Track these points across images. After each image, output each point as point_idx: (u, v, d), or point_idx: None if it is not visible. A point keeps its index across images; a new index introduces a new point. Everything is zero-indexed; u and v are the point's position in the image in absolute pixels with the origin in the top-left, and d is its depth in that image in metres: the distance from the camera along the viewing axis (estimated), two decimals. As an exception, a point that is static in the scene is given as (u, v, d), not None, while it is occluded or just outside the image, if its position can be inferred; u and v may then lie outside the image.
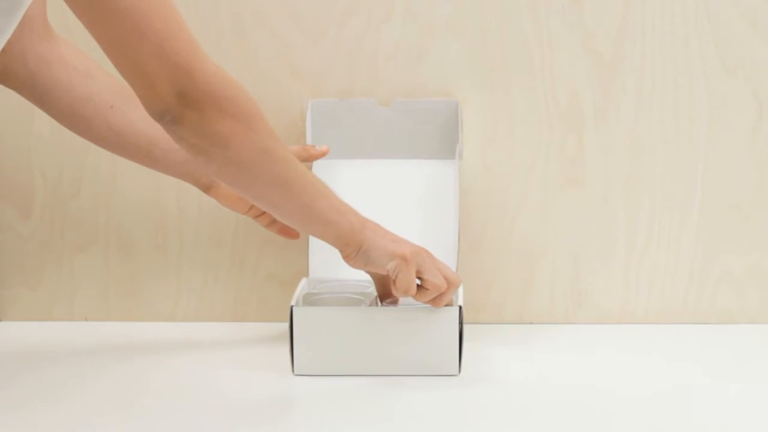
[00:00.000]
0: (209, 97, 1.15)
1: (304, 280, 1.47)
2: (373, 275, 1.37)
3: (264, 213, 1.45)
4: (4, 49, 1.33)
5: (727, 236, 1.54)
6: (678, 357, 1.45)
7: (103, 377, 1.38)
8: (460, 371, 1.35)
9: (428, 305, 1.35)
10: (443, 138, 1.51)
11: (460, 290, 1.41)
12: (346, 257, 1.31)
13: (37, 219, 1.58)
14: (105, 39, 1.12)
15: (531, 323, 1.56)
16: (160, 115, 1.15)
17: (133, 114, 1.36)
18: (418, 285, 1.32)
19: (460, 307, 1.35)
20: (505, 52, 1.52)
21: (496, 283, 1.56)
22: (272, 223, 1.46)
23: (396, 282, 1.31)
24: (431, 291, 1.32)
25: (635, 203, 1.54)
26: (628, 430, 1.23)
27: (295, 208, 1.27)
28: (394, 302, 1.38)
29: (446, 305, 1.34)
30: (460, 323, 1.34)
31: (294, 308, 1.36)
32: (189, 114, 1.14)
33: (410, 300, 1.39)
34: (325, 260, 1.48)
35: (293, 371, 1.37)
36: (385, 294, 1.38)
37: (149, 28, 1.11)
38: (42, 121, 1.40)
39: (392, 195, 1.50)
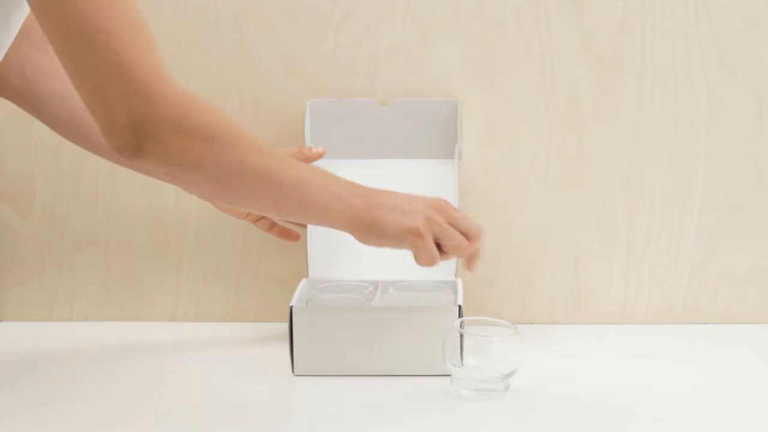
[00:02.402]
0: (169, 122, 1.08)
1: (304, 281, 1.47)
2: None
3: (262, 217, 1.45)
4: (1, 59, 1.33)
5: (727, 236, 1.54)
6: (678, 357, 1.45)
7: (103, 377, 1.38)
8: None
9: (427, 307, 1.36)
10: (443, 138, 1.51)
11: (460, 290, 1.41)
12: (360, 239, 1.23)
13: (37, 219, 1.58)
14: (64, 55, 1.07)
15: (531, 323, 1.56)
16: (121, 148, 1.08)
17: None
18: (439, 249, 1.25)
19: (460, 307, 1.35)
20: (505, 52, 1.52)
21: (496, 283, 1.56)
22: (272, 226, 1.46)
23: (416, 258, 1.24)
24: (452, 254, 1.25)
25: (635, 203, 1.54)
26: (628, 429, 1.23)
27: (291, 207, 1.21)
28: None
29: (476, 260, 1.29)
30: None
31: (294, 308, 1.36)
32: (149, 145, 1.08)
33: (410, 300, 1.39)
34: (325, 260, 1.49)
35: (293, 371, 1.37)
36: None
37: (107, 47, 1.04)
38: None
39: (392, 195, 1.50)
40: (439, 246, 1.24)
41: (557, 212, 1.55)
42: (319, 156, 1.45)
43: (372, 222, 1.22)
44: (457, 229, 1.25)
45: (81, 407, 1.29)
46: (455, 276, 1.45)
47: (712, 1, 1.49)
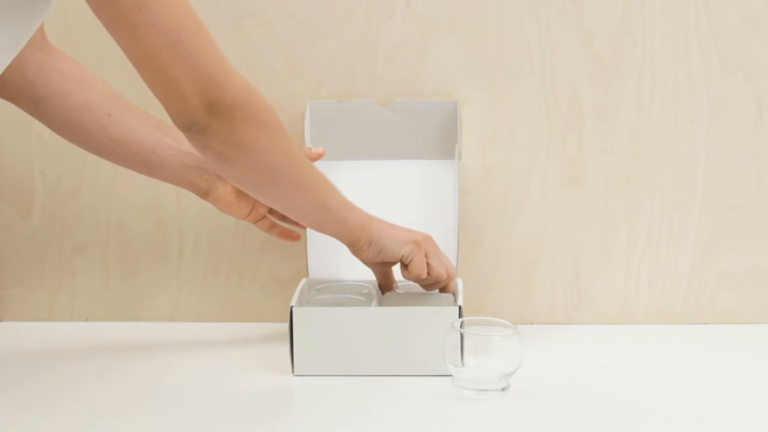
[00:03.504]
0: (237, 106, 1.18)
1: (304, 281, 1.47)
2: (375, 267, 1.41)
3: (263, 218, 1.45)
4: None
5: (727, 236, 1.54)
6: (678, 357, 1.45)
7: (102, 377, 1.38)
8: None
9: (427, 307, 1.36)
10: (443, 138, 1.51)
11: (460, 290, 1.42)
12: (358, 251, 1.36)
13: (37, 219, 1.58)
14: (136, 53, 1.15)
15: (531, 323, 1.56)
16: (188, 125, 1.18)
17: (130, 122, 1.36)
18: None
19: (460, 307, 1.35)
20: (505, 52, 1.52)
21: (496, 283, 1.56)
22: (272, 227, 1.46)
23: (410, 266, 1.37)
24: (432, 278, 1.39)
25: (635, 203, 1.54)
26: (628, 429, 1.23)
27: (312, 207, 1.32)
28: (392, 288, 1.43)
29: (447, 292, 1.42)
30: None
31: (294, 308, 1.36)
32: (216, 123, 1.17)
33: (410, 300, 1.39)
34: (324, 261, 1.49)
35: (293, 371, 1.37)
36: (387, 285, 1.43)
37: (180, 42, 1.14)
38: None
39: (392, 196, 1.50)
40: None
41: (557, 212, 1.55)
42: (319, 156, 1.45)
43: (374, 232, 1.36)
44: (442, 261, 1.40)
45: (81, 407, 1.29)
46: (455, 276, 1.45)
47: (712, 1, 1.49)
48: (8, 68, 1.34)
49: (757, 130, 1.52)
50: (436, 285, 1.41)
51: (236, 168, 1.23)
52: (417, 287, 1.43)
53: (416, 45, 1.52)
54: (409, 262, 1.37)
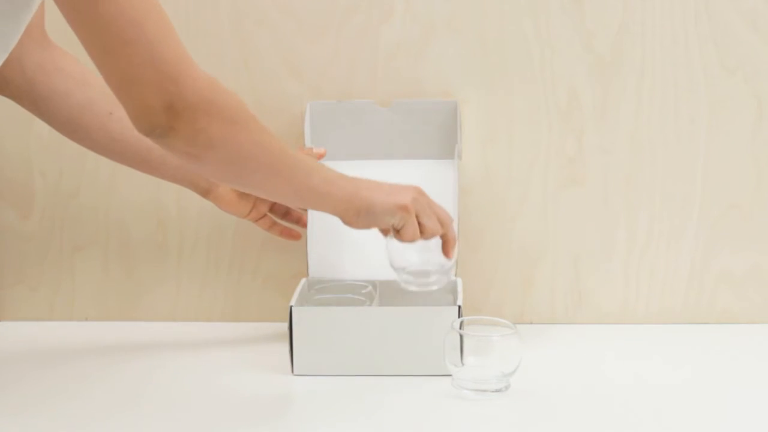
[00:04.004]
0: (198, 104, 1.13)
1: (303, 280, 1.47)
2: None
3: (264, 216, 1.45)
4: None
5: (727, 236, 1.54)
6: (678, 357, 1.45)
7: (103, 377, 1.38)
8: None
9: (427, 307, 1.36)
10: (443, 138, 1.51)
11: (460, 290, 1.41)
12: (348, 222, 1.30)
13: (37, 219, 1.58)
14: (95, 47, 1.11)
15: (531, 323, 1.56)
16: (150, 129, 1.14)
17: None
18: None
19: (460, 307, 1.35)
20: (505, 52, 1.52)
21: (496, 283, 1.56)
22: (273, 225, 1.46)
23: (402, 233, 1.32)
24: (427, 235, 1.34)
25: (635, 203, 1.54)
26: (628, 429, 1.23)
27: (292, 190, 1.27)
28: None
29: (450, 242, 1.37)
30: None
31: (293, 308, 1.36)
32: (179, 125, 1.13)
33: (409, 300, 1.39)
34: (324, 261, 1.49)
35: (293, 371, 1.37)
36: None
37: (140, 37, 1.10)
38: (42, 122, 1.40)
39: (392, 195, 1.50)
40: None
41: (557, 212, 1.55)
42: (320, 157, 1.45)
43: (362, 202, 1.29)
44: (433, 213, 1.35)
45: (81, 407, 1.29)
46: (455, 276, 1.45)
47: (712, 1, 1.49)
48: (9, 67, 1.34)
49: (757, 130, 1.52)
50: (435, 236, 1.36)
51: (206, 165, 1.19)
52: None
53: (416, 45, 1.52)
54: (401, 230, 1.33)
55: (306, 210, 1.48)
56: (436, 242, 1.36)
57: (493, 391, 1.30)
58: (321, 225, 1.46)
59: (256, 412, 1.28)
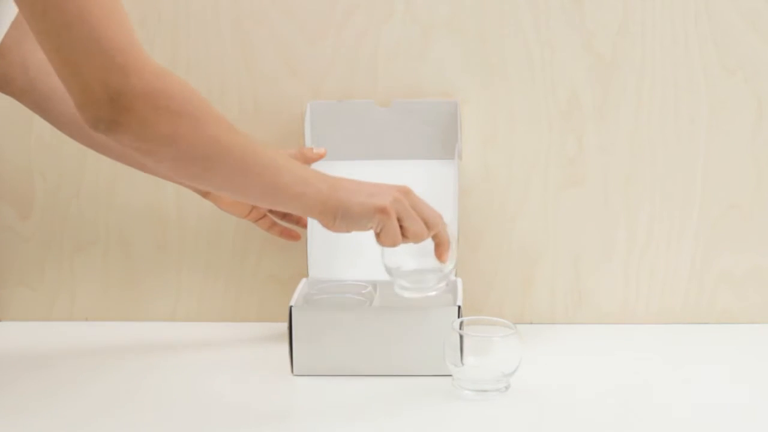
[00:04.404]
0: (145, 96, 1.07)
1: (303, 281, 1.47)
2: None
3: (264, 217, 1.45)
4: (4, 56, 1.33)
5: (727, 236, 1.54)
6: (678, 357, 1.45)
7: (103, 377, 1.38)
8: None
9: (427, 307, 1.36)
10: (443, 138, 1.51)
11: (460, 290, 1.41)
12: (326, 225, 1.25)
13: (37, 219, 1.58)
14: (38, 29, 1.06)
15: (531, 323, 1.56)
16: (94, 122, 1.08)
17: None
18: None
19: (460, 307, 1.35)
20: (505, 52, 1.52)
21: (496, 283, 1.56)
22: (272, 226, 1.46)
23: (380, 237, 1.26)
24: (411, 239, 1.27)
25: (635, 203, 1.54)
26: (628, 429, 1.23)
27: (259, 189, 1.20)
28: None
29: (442, 245, 1.31)
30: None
31: (293, 308, 1.36)
32: (125, 119, 1.07)
33: (409, 301, 1.39)
34: (325, 260, 1.49)
35: (293, 371, 1.37)
36: None
37: (84, 22, 1.03)
38: (42, 122, 1.41)
39: (392, 195, 1.50)
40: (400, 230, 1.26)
41: (557, 212, 1.55)
42: (320, 157, 1.45)
43: (339, 204, 1.23)
44: (418, 215, 1.27)
45: (81, 407, 1.29)
46: (455, 276, 1.45)
47: (712, 1, 1.49)
48: (11, 66, 1.34)
49: (757, 130, 1.52)
50: (422, 240, 1.29)
51: (162, 162, 1.13)
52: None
53: (416, 45, 1.52)
54: (379, 233, 1.26)
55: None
56: (432, 245, 1.32)
57: (493, 391, 1.30)
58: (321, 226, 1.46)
59: (256, 412, 1.28)
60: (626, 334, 1.53)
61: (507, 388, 1.31)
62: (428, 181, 1.50)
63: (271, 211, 1.45)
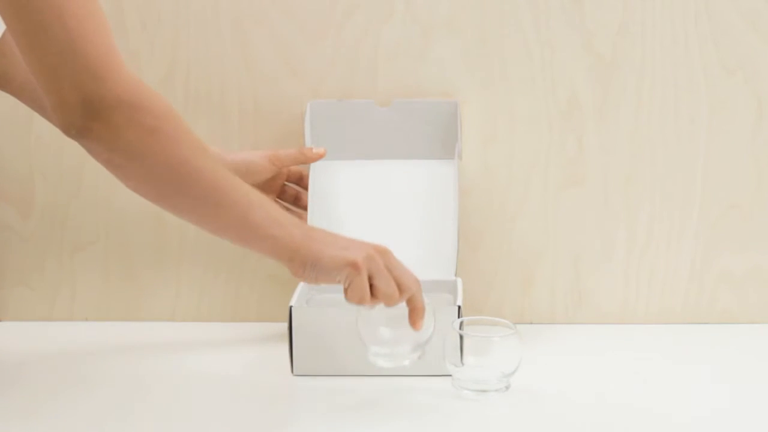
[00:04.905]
0: (118, 105, 1.05)
1: (303, 281, 1.47)
2: None
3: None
4: (4, 54, 1.33)
5: (727, 236, 1.54)
6: (678, 357, 1.45)
7: (103, 377, 1.38)
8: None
9: (427, 306, 1.36)
10: (443, 138, 1.51)
11: (460, 290, 1.41)
12: (295, 273, 1.21)
13: (37, 219, 1.58)
14: (15, 29, 1.04)
15: (531, 323, 1.56)
16: (66, 127, 1.06)
17: None
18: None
19: (460, 307, 1.35)
20: (505, 52, 1.52)
21: (496, 283, 1.56)
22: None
23: (348, 293, 1.21)
24: (381, 300, 1.22)
25: (635, 203, 1.54)
26: (628, 429, 1.23)
27: (228, 222, 1.17)
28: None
29: (416, 311, 1.25)
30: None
31: (293, 308, 1.36)
32: (96, 127, 1.06)
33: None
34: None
35: (293, 371, 1.37)
36: None
37: (60, 25, 1.02)
38: (42, 122, 1.41)
39: (392, 196, 1.50)
40: (371, 289, 1.21)
41: (557, 212, 1.55)
42: (320, 156, 1.45)
43: (309, 253, 1.19)
44: (393, 276, 1.22)
45: (81, 407, 1.29)
46: (455, 276, 1.45)
47: (712, 1, 1.49)
48: (9, 63, 1.34)
49: (757, 130, 1.52)
50: (393, 302, 1.23)
51: (129, 177, 1.11)
52: None
53: (416, 45, 1.52)
54: (347, 288, 1.20)
55: (305, 211, 1.47)
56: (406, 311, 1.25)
57: (493, 391, 1.30)
58: (321, 226, 1.45)
59: (256, 411, 1.28)
60: (626, 334, 1.53)
61: (507, 388, 1.31)
62: (428, 181, 1.50)
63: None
